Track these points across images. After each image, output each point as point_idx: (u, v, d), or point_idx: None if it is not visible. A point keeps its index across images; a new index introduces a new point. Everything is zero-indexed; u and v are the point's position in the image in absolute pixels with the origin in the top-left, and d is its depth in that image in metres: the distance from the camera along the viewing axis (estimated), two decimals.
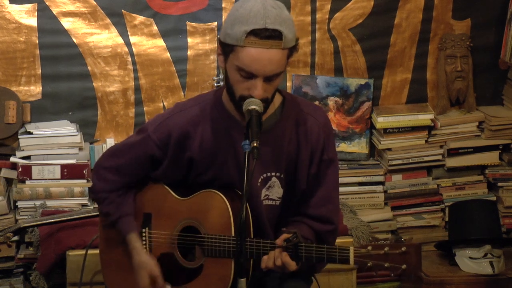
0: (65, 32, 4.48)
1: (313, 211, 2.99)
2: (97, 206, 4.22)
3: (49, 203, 4.34)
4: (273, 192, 3.00)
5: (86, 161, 4.37)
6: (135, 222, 3.07)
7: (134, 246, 3.05)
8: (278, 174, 2.99)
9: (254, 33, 2.74)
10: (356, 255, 2.80)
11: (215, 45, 4.54)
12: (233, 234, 2.91)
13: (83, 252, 3.71)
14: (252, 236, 2.92)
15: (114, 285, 3.16)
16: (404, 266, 2.80)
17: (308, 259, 2.84)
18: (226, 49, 2.82)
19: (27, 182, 4.34)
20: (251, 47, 2.75)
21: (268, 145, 2.93)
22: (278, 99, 2.98)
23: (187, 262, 3.03)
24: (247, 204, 2.89)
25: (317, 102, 4.64)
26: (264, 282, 3.03)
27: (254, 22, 2.74)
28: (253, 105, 2.79)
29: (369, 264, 2.80)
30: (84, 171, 4.35)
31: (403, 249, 2.80)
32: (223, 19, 4.50)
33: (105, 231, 3.16)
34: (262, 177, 2.98)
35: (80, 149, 4.40)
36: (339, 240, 3.08)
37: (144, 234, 3.08)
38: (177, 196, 3.04)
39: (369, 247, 2.80)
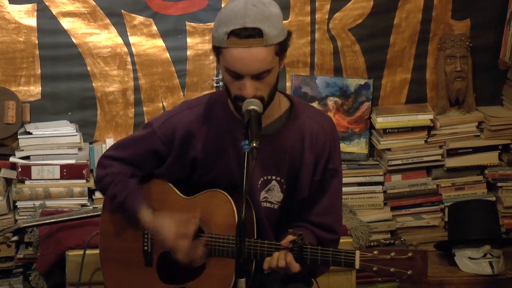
0: (64, 32, 4.47)
1: (317, 219, 2.99)
2: (97, 206, 4.28)
3: (49, 203, 4.34)
4: (272, 195, 3.00)
5: (86, 161, 4.37)
6: (143, 198, 3.02)
7: (147, 219, 2.99)
8: (278, 178, 2.99)
9: (234, 33, 2.76)
10: (362, 259, 2.80)
11: None
12: None
13: (83, 252, 3.71)
14: (255, 237, 2.93)
15: (113, 284, 3.15)
16: (410, 272, 2.78)
17: (313, 261, 2.84)
18: (215, 51, 2.85)
19: (27, 182, 4.33)
20: (232, 48, 2.77)
21: (271, 148, 2.93)
22: (285, 104, 2.99)
23: None
24: (252, 205, 2.90)
25: (316, 102, 4.64)
26: (264, 284, 3.03)
27: (234, 22, 2.76)
28: (252, 105, 2.79)
29: (374, 269, 2.79)
30: (83, 171, 4.35)
31: (409, 254, 2.79)
32: None
33: (107, 224, 3.14)
34: (262, 179, 2.98)
35: (80, 149, 4.40)
36: None
37: (146, 232, 3.07)
38: (181, 195, 3.04)
39: (375, 251, 2.79)
